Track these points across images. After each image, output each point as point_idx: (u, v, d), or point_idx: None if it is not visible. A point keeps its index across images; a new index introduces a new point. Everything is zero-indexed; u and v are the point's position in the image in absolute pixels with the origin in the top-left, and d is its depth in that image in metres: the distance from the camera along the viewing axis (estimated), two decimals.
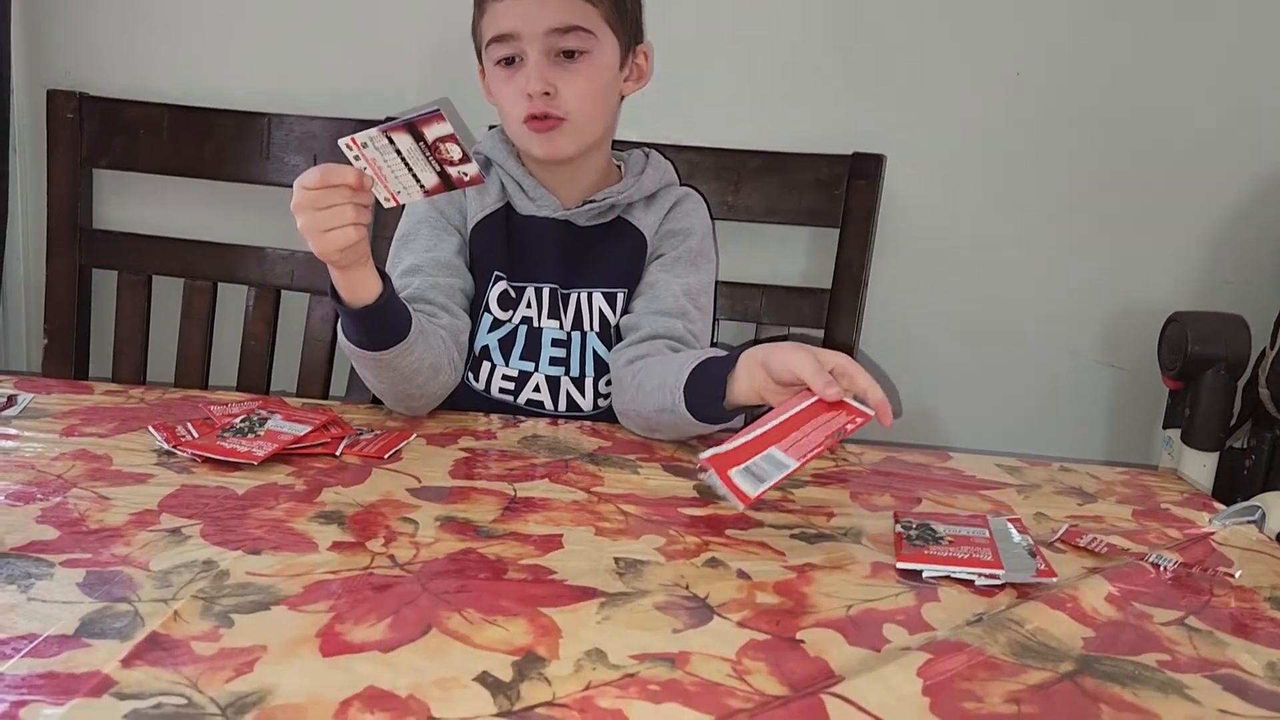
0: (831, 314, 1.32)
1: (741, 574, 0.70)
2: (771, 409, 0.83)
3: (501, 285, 1.11)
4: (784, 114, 1.39)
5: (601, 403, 1.11)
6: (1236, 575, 0.74)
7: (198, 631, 0.58)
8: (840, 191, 1.31)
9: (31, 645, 0.55)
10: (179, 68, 1.44)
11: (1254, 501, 0.87)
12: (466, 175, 0.85)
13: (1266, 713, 0.56)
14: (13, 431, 0.91)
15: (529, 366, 1.10)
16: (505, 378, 1.11)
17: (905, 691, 0.55)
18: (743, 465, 0.76)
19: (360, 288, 0.90)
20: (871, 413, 0.80)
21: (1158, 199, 1.37)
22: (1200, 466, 1.26)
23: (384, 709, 0.51)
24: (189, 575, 0.65)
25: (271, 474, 0.84)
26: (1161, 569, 0.74)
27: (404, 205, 0.89)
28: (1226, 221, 1.37)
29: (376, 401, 1.05)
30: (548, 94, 1.03)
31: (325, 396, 1.35)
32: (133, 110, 1.38)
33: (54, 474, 0.81)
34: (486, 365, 1.11)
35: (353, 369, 1.05)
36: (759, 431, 0.79)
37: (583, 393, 1.11)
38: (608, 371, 1.09)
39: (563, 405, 1.11)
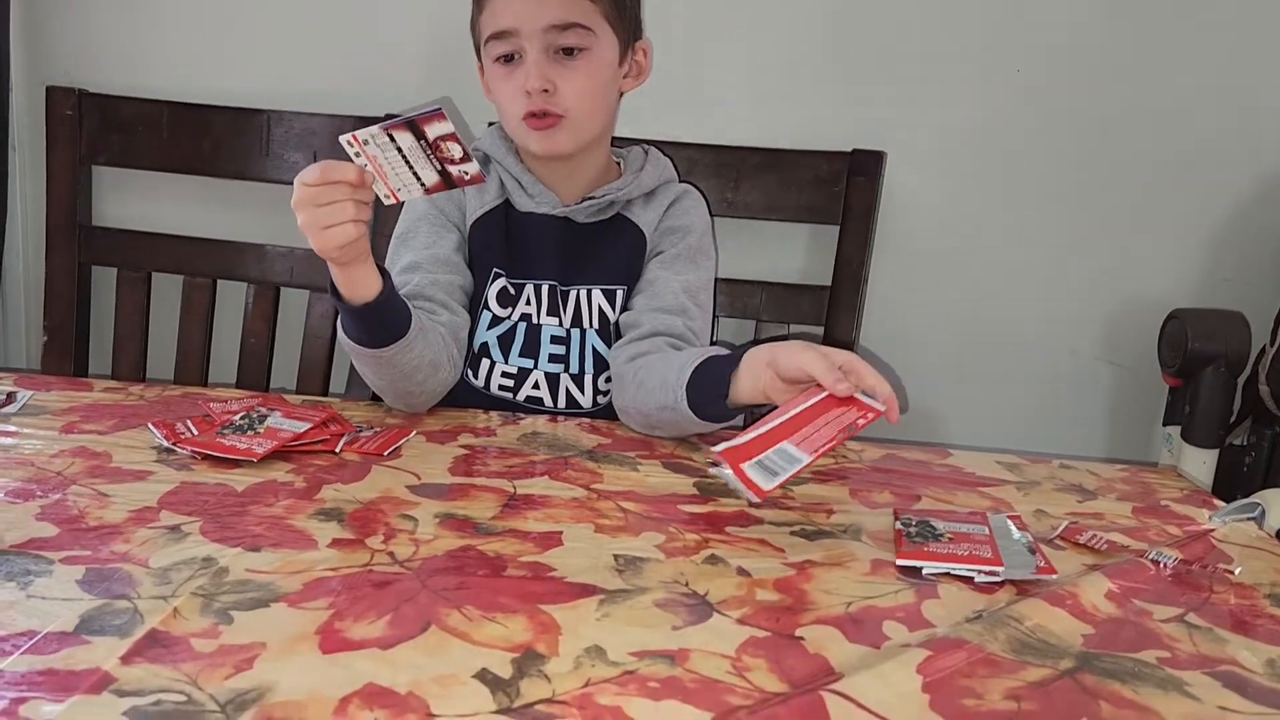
0: (831, 311, 1.31)
1: (741, 571, 0.70)
2: (776, 407, 0.83)
3: (501, 282, 1.11)
4: (783, 110, 1.39)
5: (601, 400, 1.11)
6: (1236, 572, 0.74)
7: (197, 628, 0.58)
8: (840, 188, 1.31)
9: (31, 642, 0.55)
10: (179, 65, 1.44)
11: (1254, 498, 0.87)
12: (467, 174, 0.84)
13: (1266, 709, 0.56)
14: (12, 428, 0.91)
15: (528, 363, 1.10)
16: (504, 375, 1.11)
17: (905, 688, 0.55)
18: (756, 459, 0.76)
19: (360, 285, 0.90)
20: (882, 408, 0.80)
21: (1158, 197, 1.37)
22: (1200, 463, 1.26)
23: (383, 706, 0.51)
24: (188, 572, 0.65)
25: (271, 471, 0.84)
26: (1161, 566, 0.74)
27: (404, 203, 0.89)
28: (1226, 219, 1.37)
29: (376, 398, 1.05)
30: (547, 91, 1.03)
31: (325, 393, 1.35)
32: (132, 107, 1.38)
33: (53, 471, 0.81)
34: (486, 362, 1.11)
35: (352, 366, 1.05)
36: (770, 426, 0.79)
37: (582, 390, 1.10)
38: (607, 368, 1.09)
39: (562, 402, 1.10)
